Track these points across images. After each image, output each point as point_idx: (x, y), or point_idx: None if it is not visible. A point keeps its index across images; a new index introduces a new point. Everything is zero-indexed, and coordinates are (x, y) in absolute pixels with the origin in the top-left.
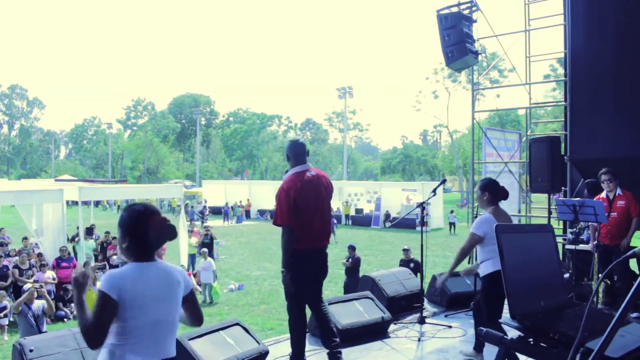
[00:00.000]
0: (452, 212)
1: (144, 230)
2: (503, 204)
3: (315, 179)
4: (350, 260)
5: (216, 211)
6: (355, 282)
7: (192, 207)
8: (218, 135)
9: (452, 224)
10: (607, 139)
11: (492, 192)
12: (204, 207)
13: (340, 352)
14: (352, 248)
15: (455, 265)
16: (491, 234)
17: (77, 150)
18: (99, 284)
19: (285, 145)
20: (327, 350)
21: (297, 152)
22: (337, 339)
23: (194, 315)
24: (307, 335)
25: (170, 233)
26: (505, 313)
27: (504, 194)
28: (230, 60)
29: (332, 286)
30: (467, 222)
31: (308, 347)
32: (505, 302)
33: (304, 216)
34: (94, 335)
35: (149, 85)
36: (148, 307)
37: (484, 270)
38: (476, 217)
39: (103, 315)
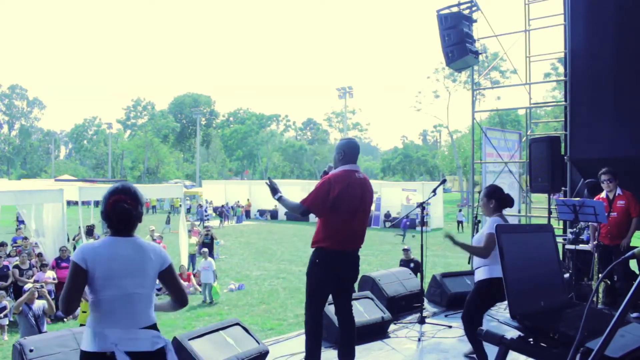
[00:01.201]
0: (460, 210)
1: (105, 208)
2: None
3: (363, 182)
4: None
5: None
6: None
7: (200, 205)
8: (218, 135)
9: (459, 222)
10: (607, 139)
11: (499, 199)
12: (225, 207)
13: None
14: None
15: (465, 248)
16: None
17: (77, 150)
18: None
19: (338, 143)
20: None
21: (351, 152)
22: None
23: (173, 293)
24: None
25: (123, 213)
26: (505, 313)
27: (510, 201)
28: (231, 61)
29: None
30: (468, 222)
31: None
32: (505, 302)
33: (346, 214)
34: (66, 300)
35: (149, 85)
36: (117, 280)
37: (480, 275)
38: (476, 217)
39: (73, 282)
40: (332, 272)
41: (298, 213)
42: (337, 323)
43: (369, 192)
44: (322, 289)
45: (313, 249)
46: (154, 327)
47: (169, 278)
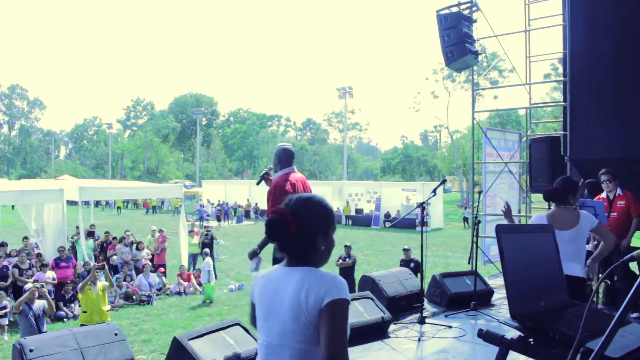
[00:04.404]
0: (466, 208)
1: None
2: (501, 203)
3: (303, 180)
4: (348, 259)
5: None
6: (350, 282)
7: (201, 205)
8: (218, 135)
9: (465, 219)
10: (606, 139)
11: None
12: (225, 206)
13: None
14: (349, 247)
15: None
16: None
17: (77, 150)
18: (99, 284)
19: (275, 150)
20: None
21: (286, 157)
22: None
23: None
24: None
25: (269, 230)
26: (505, 313)
27: (561, 195)
28: (231, 61)
29: None
30: (463, 223)
31: None
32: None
33: None
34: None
35: (149, 85)
36: None
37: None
38: (476, 217)
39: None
40: None
41: None
42: None
43: (309, 187)
44: None
45: None
46: None
47: None
